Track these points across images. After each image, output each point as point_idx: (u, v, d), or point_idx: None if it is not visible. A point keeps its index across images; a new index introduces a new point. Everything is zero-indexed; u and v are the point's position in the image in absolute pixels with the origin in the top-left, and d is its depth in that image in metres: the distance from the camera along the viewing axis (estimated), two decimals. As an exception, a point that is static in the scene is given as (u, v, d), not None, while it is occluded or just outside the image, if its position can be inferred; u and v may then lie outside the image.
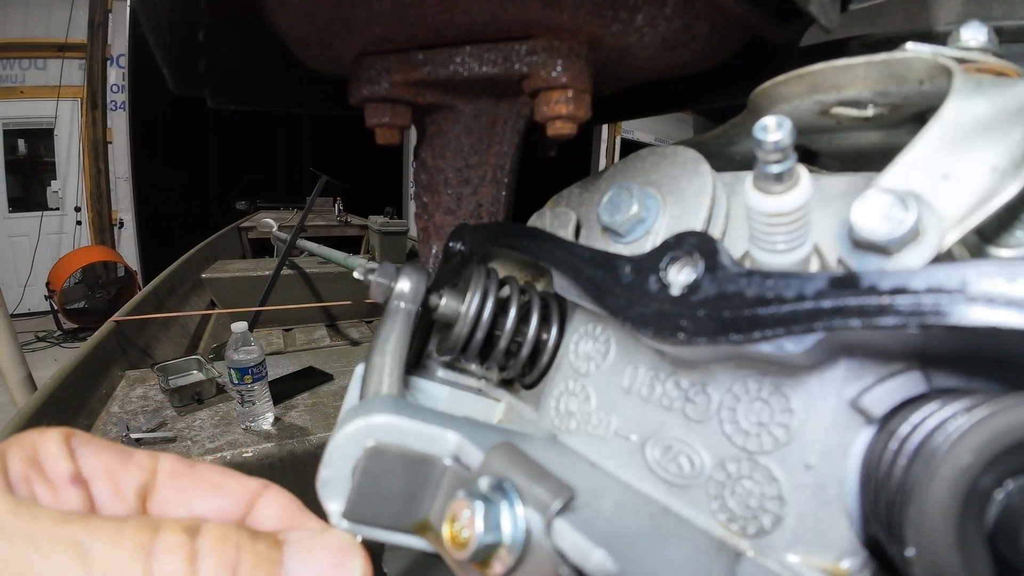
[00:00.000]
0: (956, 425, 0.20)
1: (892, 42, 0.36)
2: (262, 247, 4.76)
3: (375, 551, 0.31)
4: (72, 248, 5.51)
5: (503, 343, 0.39)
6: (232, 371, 1.74)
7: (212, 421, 1.86)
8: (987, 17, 0.61)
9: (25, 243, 5.71)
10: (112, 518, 0.24)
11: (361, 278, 0.36)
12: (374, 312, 3.14)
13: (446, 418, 0.30)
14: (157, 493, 0.30)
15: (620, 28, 0.45)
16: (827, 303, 0.22)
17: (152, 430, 1.70)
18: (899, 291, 0.20)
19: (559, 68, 0.46)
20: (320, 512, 0.28)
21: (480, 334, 0.38)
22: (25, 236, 5.69)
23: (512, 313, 0.39)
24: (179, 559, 0.23)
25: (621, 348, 0.34)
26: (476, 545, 0.24)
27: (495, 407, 0.43)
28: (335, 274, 3.18)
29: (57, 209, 5.76)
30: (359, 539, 0.27)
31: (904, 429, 0.23)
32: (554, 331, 0.40)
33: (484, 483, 0.26)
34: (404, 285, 0.35)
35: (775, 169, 0.23)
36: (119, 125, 5.79)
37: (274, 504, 0.31)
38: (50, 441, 0.27)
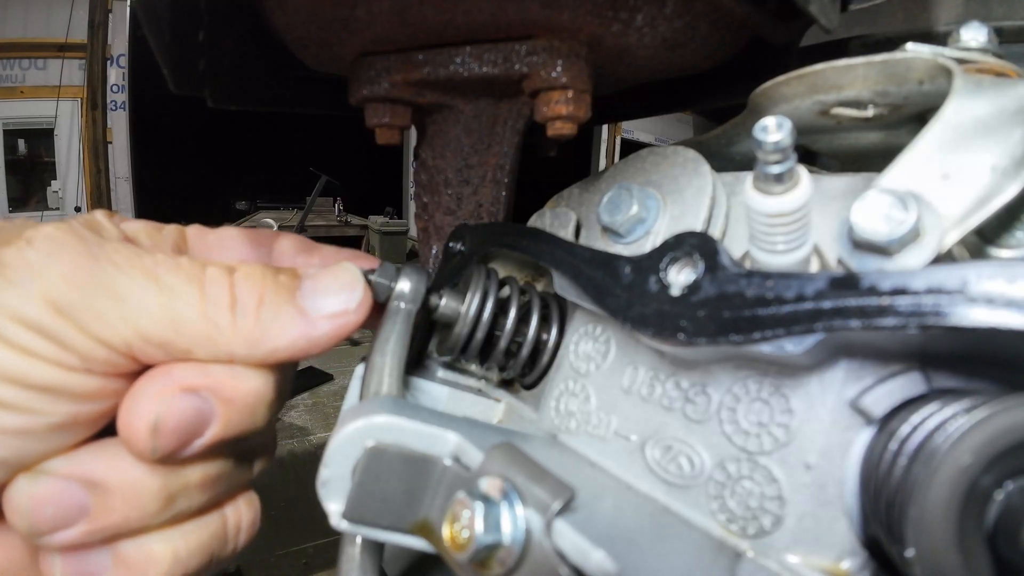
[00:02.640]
0: (956, 426, 0.20)
1: (892, 42, 0.36)
2: (262, 247, 4.75)
3: (375, 551, 0.31)
4: (72, 248, 5.49)
5: (503, 343, 0.39)
6: (232, 371, 1.74)
7: (212, 421, 1.86)
8: (987, 17, 0.61)
9: (25, 243, 5.69)
10: (171, 257, 0.30)
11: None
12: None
13: (446, 418, 0.30)
14: (189, 250, 0.39)
15: (620, 28, 0.45)
16: (827, 304, 0.22)
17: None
18: (899, 292, 0.20)
19: (559, 68, 0.46)
20: (321, 513, 0.28)
21: (480, 334, 0.38)
22: (25, 236, 5.68)
23: (512, 313, 0.39)
24: (222, 285, 0.29)
25: (621, 348, 0.34)
26: (476, 545, 0.24)
27: (495, 407, 0.43)
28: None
29: (57, 209, 5.76)
30: (361, 286, 0.33)
31: (904, 429, 0.23)
32: (554, 331, 0.40)
33: (484, 483, 0.26)
34: (404, 285, 0.35)
35: (775, 169, 0.23)
36: (119, 125, 5.79)
37: (288, 244, 0.42)
38: (99, 215, 0.34)
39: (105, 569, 0.29)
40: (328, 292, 0.31)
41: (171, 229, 0.38)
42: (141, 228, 0.37)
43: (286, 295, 0.31)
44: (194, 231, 0.39)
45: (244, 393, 0.30)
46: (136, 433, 0.28)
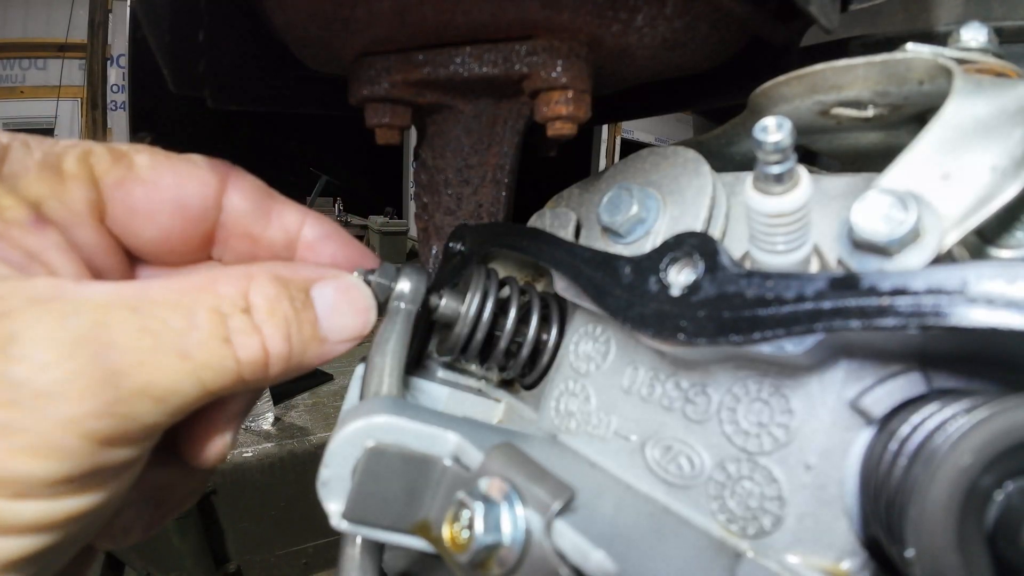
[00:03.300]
0: (956, 426, 0.20)
1: (892, 42, 0.36)
2: (262, 247, 4.74)
3: (375, 551, 0.31)
4: (72, 248, 5.50)
5: (503, 343, 0.39)
6: (232, 371, 1.74)
7: (212, 421, 1.85)
8: (987, 17, 0.61)
9: (25, 243, 5.70)
10: (171, 301, 0.26)
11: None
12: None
13: (446, 418, 0.30)
14: (108, 211, 0.31)
15: (620, 28, 0.45)
16: (827, 304, 0.22)
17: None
18: (899, 292, 0.20)
19: (559, 68, 0.46)
20: (321, 513, 0.28)
21: (480, 334, 0.38)
22: (25, 236, 5.69)
23: (512, 313, 0.39)
24: (255, 348, 0.28)
25: (621, 348, 0.34)
26: (476, 546, 0.24)
27: (495, 407, 0.43)
28: (335, 274, 3.17)
29: (57, 209, 5.75)
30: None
31: (904, 430, 0.23)
32: (554, 331, 0.40)
33: (484, 484, 0.26)
34: (404, 285, 0.35)
35: (775, 170, 0.23)
36: (119, 125, 5.78)
37: (240, 194, 0.34)
38: None
39: None
40: (344, 317, 0.32)
41: (74, 178, 0.29)
42: (42, 190, 0.28)
43: (310, 331, 0.30)
44: (109, 172, 0.30)
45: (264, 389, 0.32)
46: (214, 461, 0.33)
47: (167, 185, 0.31)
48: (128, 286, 0.26)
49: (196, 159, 0.33)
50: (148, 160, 0.31)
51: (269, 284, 0.29)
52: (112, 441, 0.24)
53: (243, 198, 0.34)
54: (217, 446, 0.32)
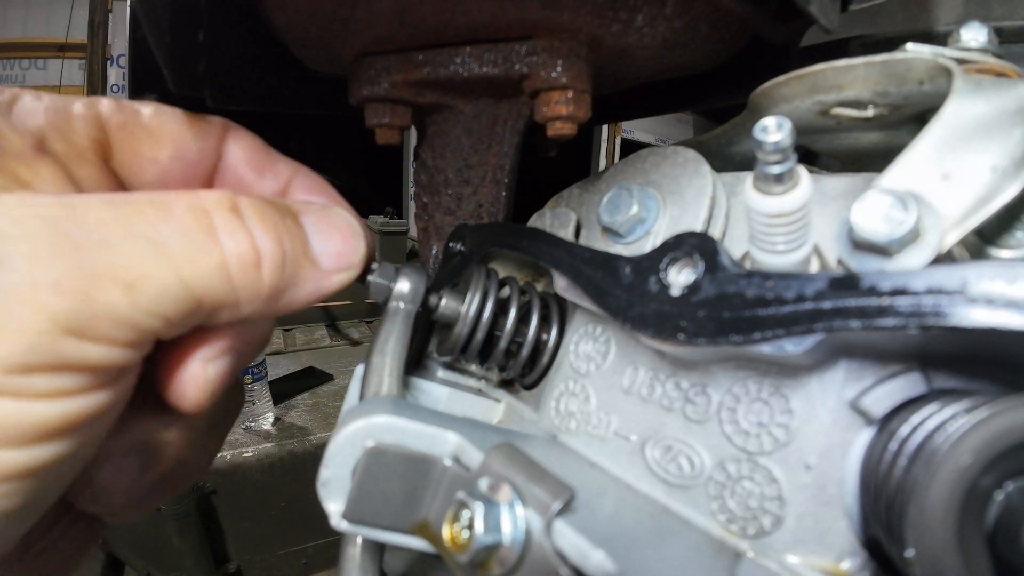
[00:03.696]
0: (956, 426, 0.20)
1: (892, 42, 0.36)
2: (262, 247, 4.74)
3: (375, 551, 0.31)
4: (72, 248, 5.50)
5: (503, 343, 0.39)
6: (232, 371, 1.74)
7: (212, 421, 1.86)
8: (987, 17, 0.61)
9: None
10: (151, 201, 0.24)
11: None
12: (374, 312, 3.14)
13: (446, 419, 0.30)
14: (114, 152, 0.31)
15: (620, 28, 0.45)
16: (827, 304, 0.22)
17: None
18: (899, 292, 0.20)
19: (559, 68, 0.46)
20: (321, 513, 0.28)
21: (480, 334, 0.38)
22: (25, 236, 5.69)
23: (512, 313, 0.39)
24: (241, 238, 0.25)
25: (621, 349, 0.34)
26: (476, 546, 0.24)
27: (495, 407, 0.43)
28: (335, 274, 3.18)
29: (57, 209, 5.75)
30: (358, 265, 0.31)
31: (904, 430, 0.23)
32: (554, 331, 0.40)
33: (484, 484, 0.26)
34: (403, 285, 0.35)
35: (775, 170, 0.23)
36: (119, 125, 5.78)
37: (239, 146, 0.34)
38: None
39: None
40: (335, 242, 0.30)
41: (80, 117, 0.30)
42: (44, 124, 0.28)
43: (301, 247, 0.28)
44: (114, 115, 0.31)
45: (259, 338, 0.30)
46: (192, 400, 0.27)
47: (169, 130, 0.32)
48: (112, 194, 0.25)
49: (199, 115, 0.33)
50: (152, 109, 0.32)
51: (256, 198, 0.28)
52: (78, 329, 0.22)
53: (241, 148, 0.34)
54: (198, 380, 0.28)
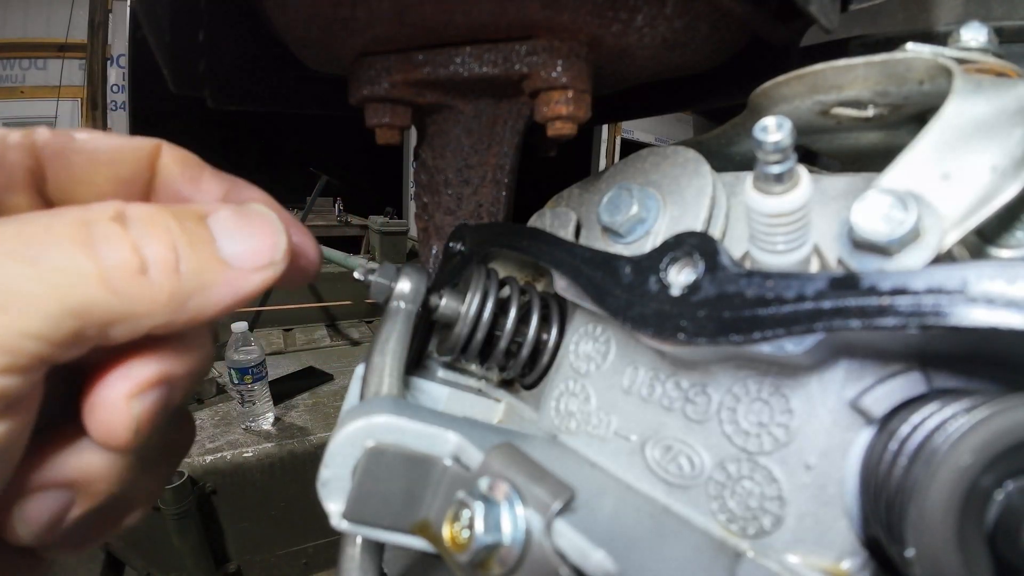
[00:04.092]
0: (956, 426, 0.20)
1: (892, 42, 0.36)
2: (262, 247, 4.74)
3: (375, 551, 0.31)
4: (72, 248, 5.50)
5: (503, 343, 0.39)
6: (232, 371, 1.74)
7: (212, 421, 1.86)
8: (987, 17, 0.61)
9: (25, 243, 5.69)
10: (35, 218, 0.24)
11: (361, 278, 0.36)
12: (374, 312, 3.14)
13: (446, 418, 0.30)
14: (48, 179, 0.30)
15: (620, 28, 0.45)
16: (827, 304, 0.22)
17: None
18: (899, 292, 0.20)
19: (559, 68, 0.46)
20: (321, 513, 0.28)
21: (480, 334, 0.38)
22: (25, 236, 5.68)
23: (512, 313, 0.39)
24: (123, 250, 0.24)
25: (621, 348, 0.34)
26: (476, 546, 0.24)
27: (495, 407, 0.43)
28: (335, 274, 3.18)
29: (57, 209, 5.75)
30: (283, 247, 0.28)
31: (904, 430, 0.23)
32: (554, 331, 0.40)
33: (484, 483, 0.26)
34: (404, 285, 0.35)
35: (775, 169, 0.23)
36: (119, 125, 5.78)
37: (173, 162, 0.33)
38: None
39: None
40: (248, 239, 0.28)
41: (14, 147, 0.29)
42: None
43: (204, 246, 0.26)
44: (47, 142, 0.31)
45: (195, 365, 0.28)
46: (116, 438, 0.26)
47: (103, 152, 0.31)
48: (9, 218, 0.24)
49: (130, 137, 0.33)
50: (86, 134, 0.31)
51: (151, 205, 0.26)
52: None
53: (174, 162, 0.33)
54: (122, 417, 0.26)
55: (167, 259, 0.25)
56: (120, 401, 0.25)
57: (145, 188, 0.33)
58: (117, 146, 0.32)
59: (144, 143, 0.32)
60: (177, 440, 0.34)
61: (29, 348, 0.22)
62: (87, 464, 0.28)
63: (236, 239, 0.27)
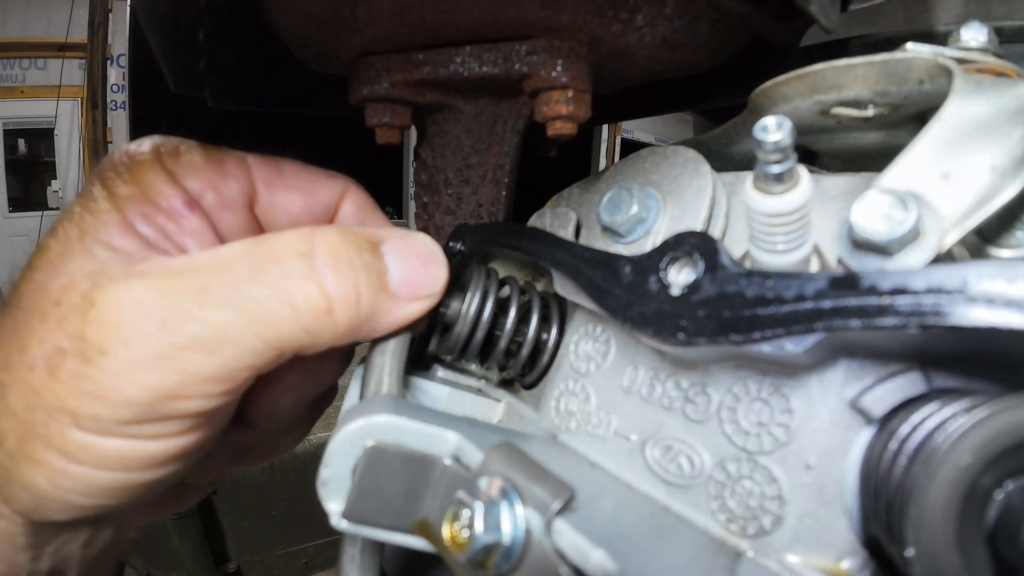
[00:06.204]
0: (956, 425, 0.20)
1: (892, 42, 0.36)
2: (262, 247, 4.74)
3: (375, 551, 0.31)
4: (72, 248, 5.49)
5: (503, 343, 0.39)
6: (232, 371, 1.73)
7: (212, 421, 1.85)
8: (987, 17, 0.61)
9: (25, 243, 5.69)
10: (237, 259, 0.28)
11: None
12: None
13: (446, 418, 0.30)
14: (258, 201, 0.36)
15: (620, 28, 0.45)
16: (827, 303, 0.22)
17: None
18: (899, 291, 0.20)
19: (559, 68, 0.46)
20: (321, 513, 0.28)
21: (480, 334, 0.38)
22: (25, 236, 5.68)
23: (512, 313, 0.39)
24: (311, 291, 0.28)
25: (621, 348, 0.34)
26: (476, 545, 0.24)
27: (495, 407, 0.43)
28: (335, 274, 3.18)
29: (57, 209, 5.75)
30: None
31: (904, 429, 0.23)
32: (554, 331, 0.40)
33: (484, 483, 0.26)
34: (404, 285, 0.35)
35: (775, 169, 0.23)
36: (119, 125, 5.78)
37: (352, 203, 0.39)
38: (150, 173, 0.31)
39: None
40: (415, 271, 0.31)
41: (234, 172, 0.35)
42: (203, 176, 0.33)
43: (378, 281, 0.30)
44: (262, 174, 0.36)
45: (333, 369, 0.36)
46: (265, 423, 0.35)
47: (301, 188, 0.37)
48: (206, 253, 0.29)
49: (329, 172, 0.39)
50: (293, 168, 0.37)
51: (335, 234, 0.29)
52: (173, 394, 0.27)
53: (352, 207, 0.39)
54: (271, 410, 0.33)
55: (349, 297, 0.28)
56: (267, 401, 0.34)
57: (330, 220, 0.39)
58: (313, 184, 0.38)
59: (335, 185, 0.39)
60: (316, 407, 0.43)
61: (235, 376, 0.28)
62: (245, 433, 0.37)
63: (403, 268, 0.31)
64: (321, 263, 0.28)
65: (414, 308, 0.31)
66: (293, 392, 0.34)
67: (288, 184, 0.37)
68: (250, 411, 0.34)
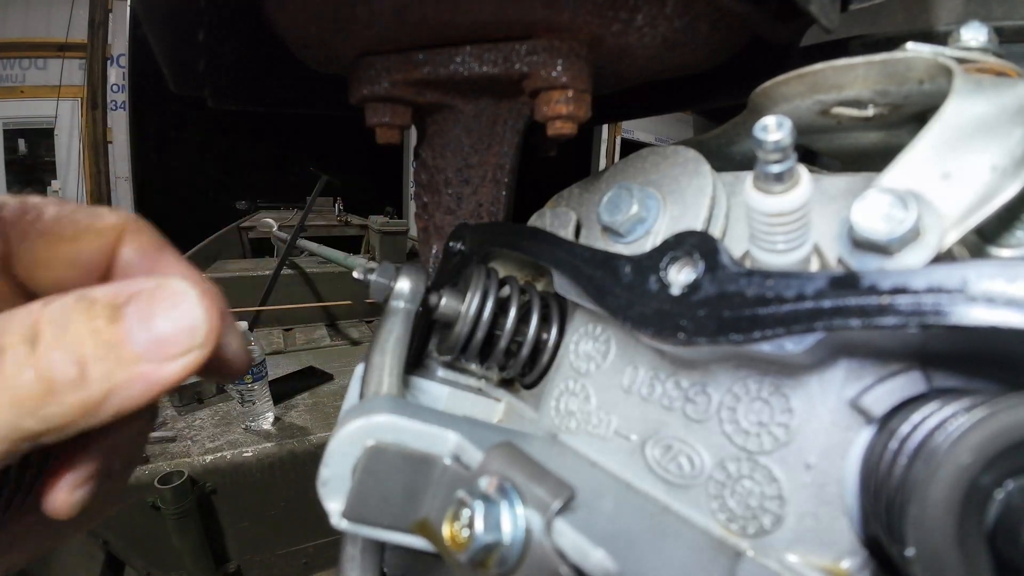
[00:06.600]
0: (956, 425, 0.20)
1: (892, 42, 0.36)
2: (262, 247, 4.75)
3: (375, 551, 0.31)
4: (72, 248, 5.50)
5: (503, 343, 0.39)
6: (232, 371, 1.73)
7: (212, 421, 1.86)
8: (987, 17, 0.61)
9: (25, 243, 5.69)
10: None
11: (361, 278, 0.37)
12: (374, 312, 3.14)
13: (446, 418, 0.30)
14: (16, 259, 0.31)
15: (621, 28, 0.45)
16: (827, 303, 0.22)
17: (152, 430, 1.71)
18: (899, 291, 0.20)
19: (559, 68, 0.46)
20: (321, 513, 0.28)
21: (480, 334, 0.38)
22: (25, 236, 5.68)
23: (512, 313, 0.39)
24: (29, 377, 0.25)
25: (621, 348, 0.34)
26: (476, 545, 0.24)
27: (495, 407, 0.43)
28: (335, 274, 3.18)
29: (57, 209, 5.75)
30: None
31: (904, 429, 0.23)
32: (554, 331, 0.40)
33: (484, 483, 0.26)
34: (403, 285, 0.35)
35: (775, 169, 0.23)
36: (119, 125, 5.79)
37: (133, 246, 0.34)
38: None
39: None
40: (163, 330, 0.27)
41: None
42: None
43: (114, 348, 0.26)
44: (12, 222, 0.31)
45: (132, 451, 0.32)
46: (65, 515, 0.30)
47: (64, 238, 0.32)
48: None
49: (101, 212, 0.34)
50: (55, 211, 0.32)
51: (59, 307, 0.26)
52: None
53: (134, 251, 0.34)
54: (66, 503, 0.29)
55: (71, 377, 0.25)
56: (63, 494, 0.30)
57: (104, 274, 0.34)
58: (82, 228, 0.33)
59: (108, 228, 0.33)
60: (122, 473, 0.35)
61: None
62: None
63: (151, 329, 0.27)
64: (45, 342, 0.25)
65: (174, 368, 0.27)
66: (90, 482, 0.30)
67: (48, 234, 0.32)
68: (46, 503, 0.30)
